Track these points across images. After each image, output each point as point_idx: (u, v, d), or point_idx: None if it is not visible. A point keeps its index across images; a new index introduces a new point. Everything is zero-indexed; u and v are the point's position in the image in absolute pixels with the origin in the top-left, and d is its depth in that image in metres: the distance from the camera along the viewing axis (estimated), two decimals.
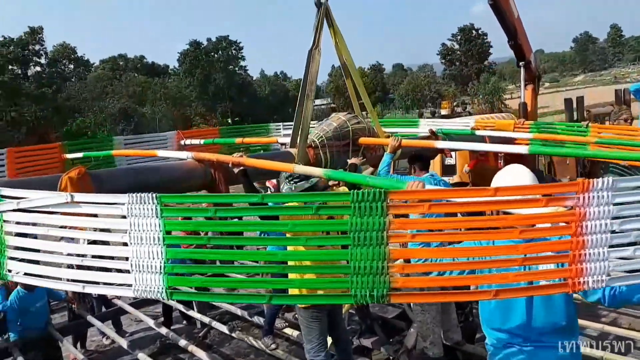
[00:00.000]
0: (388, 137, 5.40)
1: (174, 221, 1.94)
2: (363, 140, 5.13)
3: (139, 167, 4.84)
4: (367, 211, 1.78)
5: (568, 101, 10.51)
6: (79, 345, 6.52)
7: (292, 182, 3.55)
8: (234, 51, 72.21)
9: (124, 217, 1.99)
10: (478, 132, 6.34)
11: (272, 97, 79.75)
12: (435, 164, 8.17)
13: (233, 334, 5.81)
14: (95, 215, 2.13)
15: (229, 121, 62.92)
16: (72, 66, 57.53)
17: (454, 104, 58.18)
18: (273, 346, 5.35)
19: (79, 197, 2.07)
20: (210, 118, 48.63)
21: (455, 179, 7.77)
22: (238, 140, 6.96)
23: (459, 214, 2.89)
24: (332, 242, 1.81)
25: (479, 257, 1.86)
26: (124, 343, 5.64)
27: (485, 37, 77.59)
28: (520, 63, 8.98)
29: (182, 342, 5.27)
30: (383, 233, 1.79)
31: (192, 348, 5.09)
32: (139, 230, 1.98)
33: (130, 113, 43.50)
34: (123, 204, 1.99)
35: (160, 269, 1.98)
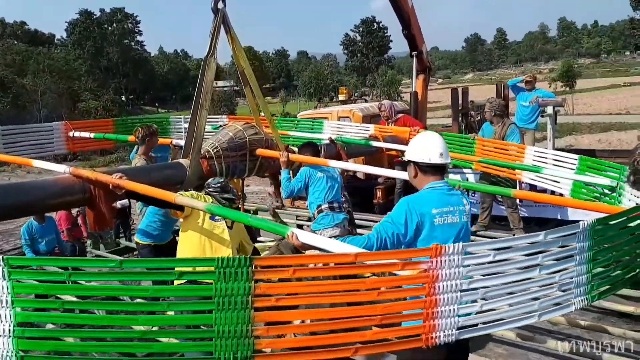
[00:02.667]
0: (287, 147, 5.39)
1: (24, 284, 1.80)
2: (260, 151, 5.06)
3: (8, 185, 4.42)
4: (232, 276, 1.78)
5: (454, 91, 11.26)
6: None
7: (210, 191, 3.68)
8: (130, 25, 68.11)
9: None
10: (375, 143, 6.59)
11: (172, 75, 76.52)
12: None
13: None
14: None
15: (123, 98, 59.47)
16: None
17: (355, 94, 60.03)
18: None
19: None
20: (102, 94, 45.38)
21: None
22: (131, 138, 6.57)
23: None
24: (195, 308, 1.79)
25: (341, 317, 1.93)
26: None
27: (385, 31, 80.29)
28: (413, 53, 9.42)
29: None
30: (248, 297, 1.80)
31: None
32: None
33: (8, 84, 39.30)
34: None
35: (10, 333, 1.84)
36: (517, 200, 6.83)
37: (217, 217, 3.58)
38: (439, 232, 2.50)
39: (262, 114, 5.73)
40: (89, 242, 7.26)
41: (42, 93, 40.28)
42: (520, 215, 6.80)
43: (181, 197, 3.01)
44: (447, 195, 2.62)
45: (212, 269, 1.75)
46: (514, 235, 5.63)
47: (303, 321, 2.05)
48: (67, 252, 6.48)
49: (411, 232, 2.47)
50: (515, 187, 6.17)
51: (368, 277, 2.07)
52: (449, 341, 2.04)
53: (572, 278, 2.26)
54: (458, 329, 2.06)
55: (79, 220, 7.20)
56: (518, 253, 2.16)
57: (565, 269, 2.23)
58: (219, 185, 3.75)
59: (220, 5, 4.77)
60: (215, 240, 3.51)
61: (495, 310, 2.15)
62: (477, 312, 2.09)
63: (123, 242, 7.62)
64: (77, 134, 6.89)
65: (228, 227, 3.60)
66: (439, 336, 2.02)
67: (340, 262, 1.87)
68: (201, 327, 1.89)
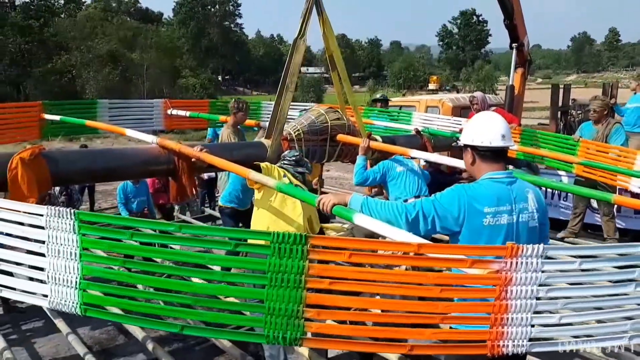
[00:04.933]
0: (369, 135, 5.28)
1: (92, 239, 1.86)
2: (341, 137, 5.00)
3: (99, 150, 4.72)
4: (287, 253, 1.72)
5: (555, 87, 10.59)
6: None
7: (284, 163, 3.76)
8: (231, 7, 70.72)
9: (43, 228, 1.92)
10: None
11: (266, 59, 78.48)
12: None
13: None
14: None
15: (219, 78, 61.99)
16: (62, 1, 55.66)
17: (447, 87, 58.32)
18: None
19: None
20: (201, 72, 47.62)
21: None
22: (222, 117, 6.80)
23: None
24: (249, 281, 1.75)
25: (398, 311, 1.81)
26: None
27: (485, 24, 76.95)
28: (513, 45, 8.83)
29: None
30: (301, 277, 1.73)
31: None
32: (57, 244, 1.93)
33: (119, 57, 42.23)
34: (41, 215, 1.91)
35: (76, 285, 1.92)
36: (615, 209, 6.24)
37: None
38: (486, 234, 2.14)
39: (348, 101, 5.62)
40: (177, 207, 7.73)
41: (147, 68, 42.90)
42: (617, 226, 6.21)
43: (254, 174, 3.04)
44: (507, 190, 2.23)
45: (268, 243, 1.70)
46: None
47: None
48: (154, 214, 6.88)
49: (453, 227, 2.16)
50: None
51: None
52: (518, 352, 1.84)
53: None
54: (530, 340, 1.85)
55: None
56: (608, 264, 1.90)
57: None
58: (293, 158, 3.78)
59: None
60: (288, 210, 3.53)
61: (576, 325, 1.92)
62: (555, 325, 1.87)
63: (208, 210, 8.35)
64: (174, 111, 7.23)
65: None
66: (507, 345, 1.83)
67: (401, 252, 1.74)
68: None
